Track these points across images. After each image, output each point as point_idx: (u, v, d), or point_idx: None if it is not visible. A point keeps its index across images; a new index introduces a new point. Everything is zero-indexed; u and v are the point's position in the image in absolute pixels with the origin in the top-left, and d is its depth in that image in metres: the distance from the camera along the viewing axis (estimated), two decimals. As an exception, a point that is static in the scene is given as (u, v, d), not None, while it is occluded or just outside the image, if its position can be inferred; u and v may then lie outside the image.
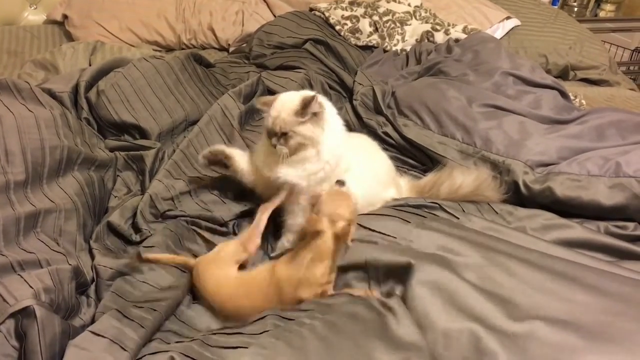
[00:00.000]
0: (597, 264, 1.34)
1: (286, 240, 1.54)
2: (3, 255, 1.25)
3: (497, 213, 1.63)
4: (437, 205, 1.59)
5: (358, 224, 1.42)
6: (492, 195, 1.67)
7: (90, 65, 2.23)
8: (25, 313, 1.12)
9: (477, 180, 1.66)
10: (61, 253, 1.36)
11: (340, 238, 1.30)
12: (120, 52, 2.42)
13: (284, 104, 1.48)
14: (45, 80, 2.06)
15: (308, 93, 1.50)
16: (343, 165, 1.53)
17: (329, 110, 1.53)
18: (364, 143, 1.77)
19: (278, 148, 1.46)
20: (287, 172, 1.49)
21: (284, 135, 1.46)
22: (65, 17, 2.82)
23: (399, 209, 1.54)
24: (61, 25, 2.86)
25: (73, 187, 1.56)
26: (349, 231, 1.31)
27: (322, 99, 1.50)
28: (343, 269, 1.36)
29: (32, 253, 1.29)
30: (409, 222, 1.44)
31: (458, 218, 1.57)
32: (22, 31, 2.76)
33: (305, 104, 1.45)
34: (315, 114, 1.46)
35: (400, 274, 1.29)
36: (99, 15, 2.75)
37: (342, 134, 1.55)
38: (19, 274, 1.21)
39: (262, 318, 1.22)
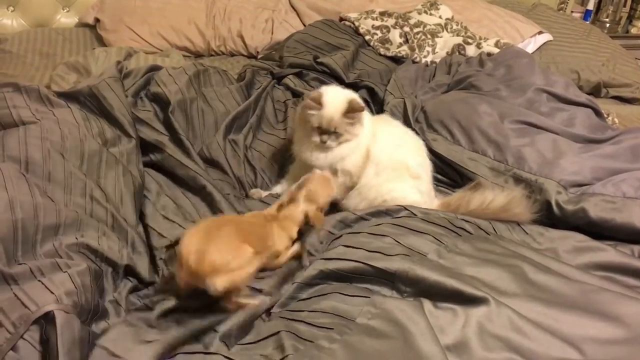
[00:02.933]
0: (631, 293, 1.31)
1: None
2: (21, 264, 1.25)
3: (527, 233, 1.62)
4: (469, 222, 1.57)
5: (391, 238, 1.43)
6: (522, 213, 1.64)
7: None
8: (48, 319, 1.12)
9: (508, 197, 1.64)
10: (82, 255, 1.36)
11: (308, 219, 1.48)
12: (155, 60, 2.42)
13: (335, 105, 1.67)
14: (77, 83, 2.08)
15: (352, 95, 1.74)
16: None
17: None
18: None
19: (328, 144, 1.68)
20: (320, 158, 1.72)
21: (335, 133, 1.67)
22: (97, 20, 2.84)
23: (431, 223, 1.52)
24: (93, 29, 2.87)
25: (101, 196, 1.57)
26: (318, 217, 1.50)
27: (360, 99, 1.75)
28: (366, 274, 1.34)
29: (51, 258, 1.29)
30: (443, 244, 1.42)
31: (489, 234, 1.56)
32: (54, 33, 2.78)
33: (353, 109, 1.67)
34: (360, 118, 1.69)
35: (430, 291, 1.27)
36: (130, 20, 2.76)
37: (368, 122, 1.76)
38: (39, 280, 1.20)
39: (276, 334, 1.20)
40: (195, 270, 1.20)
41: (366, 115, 1.76)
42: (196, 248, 1.21)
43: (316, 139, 1.69)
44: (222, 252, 1.22)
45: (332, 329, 1.20)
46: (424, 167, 1.80)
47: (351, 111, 1.66)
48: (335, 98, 1.69)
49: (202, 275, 1.20)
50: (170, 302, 1.33)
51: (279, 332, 1.20)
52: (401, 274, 1.30)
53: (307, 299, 1.34)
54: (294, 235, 1.48)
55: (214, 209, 1.68)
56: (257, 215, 1.49)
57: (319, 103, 1.66)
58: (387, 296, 1.30)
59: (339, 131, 1.66)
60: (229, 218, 1.39)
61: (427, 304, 1.24)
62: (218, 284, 1.20)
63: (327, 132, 1.67)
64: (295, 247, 1.49)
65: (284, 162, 2.00)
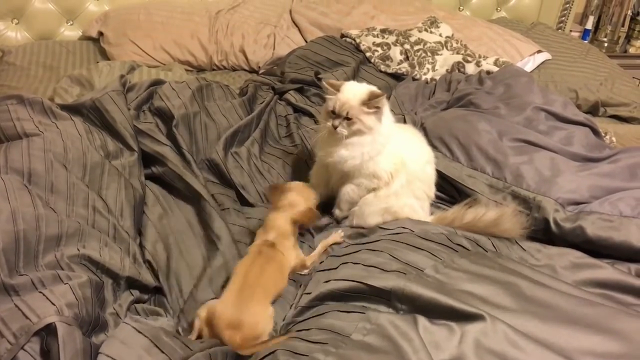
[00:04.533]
0: (627, 310, 1.32)
1: (338, 210, 1.84)
2: (22, 274, 1.26)
3: (524, 250, 1.63)
4: (468, 238, 1.58)
5: (384, 253, 1.45)
6: (512, 229, 1.66)
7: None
8: (49, 330, 1.13)
9: (499, 213, 1.66)
10: (83, 266, 1.37)
11: (299, 220, 1.57)
12: (157, 74, 2.45)
13: (354, 92, 1.66)
14: (81, 96, 2.10)
15: (374, 88, 1.71)
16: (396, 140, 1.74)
17: (386, 105, 1.72)
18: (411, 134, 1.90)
19: (339, 130, 1.64)
20: (343, 155, 1.69)
21: (347, 120, 1.63)
22: (100, 34, 2.86)
23: (426, 239, 1.53)
24: (96, 42, 2.90)
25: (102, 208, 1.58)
26: (311, 215, 1.59)
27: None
28: (362, 293, 1.36)
29: (53, 269, 1.31)
30: (439, 259, 1.43)
31: (487, 251, 1.57)
32: (57, 46, 2.80)
33: (373, 97, 1.63)
34: (377, 108, 1.65)
35: (426, 308, 1.28)
36: (134, 34, 2.79)
37: (391, 123, 1.75)
38: (40, 292, 1.22)
39: (271, 353, 1.21)
40: (227, 339, 1.31)
41: (392, 122, 1.75)
42: (230, 320, 1.32)
43: (328, 123, 1.66)
44: (254, 324, 1.34)
45: (327, 343, 1.21)
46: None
47: (371, 98, 1.63)
48: (354, 87, 1.69)
49: (233, 344, 1.31)
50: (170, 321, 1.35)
51: (275, 351, 1.22)
52: (397, 291, 1.31)
53: (305, 319, 1.35)
54: (293, 243, 1.56)
55: (204, 222, 1.70)
56: (264, 250, 1.50)
57: (336, 89, 1.66)
58: (383, 312, 1.31)
59: (350, 116, 1.62)
60: (255, 280, 1.42)
61: (423, 321, 1.25)
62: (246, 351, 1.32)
63: (339, 117, 1.64)
64: (319, 248, 1.62)
65: (293, 175, 2.02)
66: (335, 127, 1.64)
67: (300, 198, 1.60)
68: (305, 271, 1.57)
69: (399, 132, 1.76)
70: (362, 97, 1.64)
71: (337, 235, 1.68)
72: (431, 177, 1.82)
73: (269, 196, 1.64)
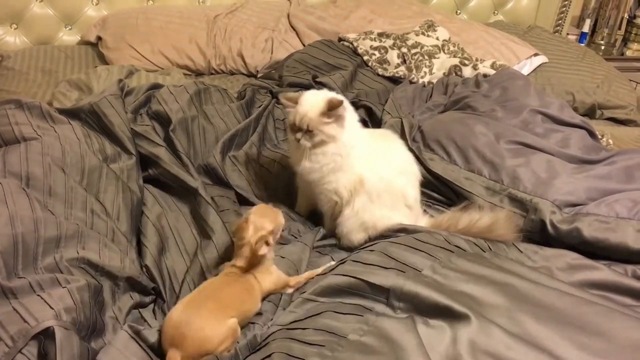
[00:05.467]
0: (623, 309, 1.32)
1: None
2: (21, 277, 1.26)
3: (521, 252, 1.63)
4: (466, 240, 1.59)
5: (383, 253, 1.45)
6: (506, 234, 1.66)
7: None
8: (47, 334, 1.14)
9: (493, 218, 1.67)
10: (82, 269, 1.38)
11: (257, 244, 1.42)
12: (156, 78, 2.46)
13: (312, 103, 1.63)
14: (79, 100, 2.11)
15: (333, 95, 1.67)
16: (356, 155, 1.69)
17: (349, 110, 1.68)
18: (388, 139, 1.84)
19: (302, 142, 1.63)
20: (306, 167, 1.68)
21: (309, 132, 1.61)
22: (99, 38, 2.87)
23: (424, 241, 1.54)
24: (95, 47, 2.91)
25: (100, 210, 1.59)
26: (265, 239, 1.43)
27: (344, 100, 1.65)
28: (360, 290, 1.36)
29: (51, 273, 1.31)
30: (437, 259, 1.43)
31: (485, 251, 1.57)
32: (56, 51, 2.81)
33: (332, 107, 1.60)
34: (338, 115, 1.62)
35: (423, 307, 1.29)
36: (132, 38, 2.79)
37: (356, 131, 1.70)
38: (38, 295, 1.22)
39: (268, 356, 1.21)
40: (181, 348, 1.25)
41: (357, 128, 1.71)
42: (172, 335, 1.27)
43: (291, 136, 1.68)
44: (201, 339, 1.27)
45: (324, 346, 1.22)
46: (418, 198, 1.78)
47: (330, 108, 1.59)
48: (312, 97, 1.65)
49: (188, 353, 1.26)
50: None
51: (271, 354, 1.22)
52: (395, 289, 1.32)
53: (303, 319, 1.35)
54: (266, 267, 1.47)
55: (200, 217, 1.70)
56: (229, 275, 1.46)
57: (295, 102, 1.65)
58: (380, 313, 1.31)
59: (311, 129, 1.60)
60: (210, 292, 1.37)
61: (420, 321, 1.26)
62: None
63: (301, 130, 1.63)
64: (307, 274, 1.53)
65: (290, 178, 2.00)
66: (298, 140, 1.63)
67: (263, 220, 1.47)
68: (290, 290, 1.50)
69: (364, 145, 1.70)
70: (320, 107, 1.60)
71: (327, 267, 1.56)
72: (403, 188, 1.72)
73: (235, 234, 1.50)
